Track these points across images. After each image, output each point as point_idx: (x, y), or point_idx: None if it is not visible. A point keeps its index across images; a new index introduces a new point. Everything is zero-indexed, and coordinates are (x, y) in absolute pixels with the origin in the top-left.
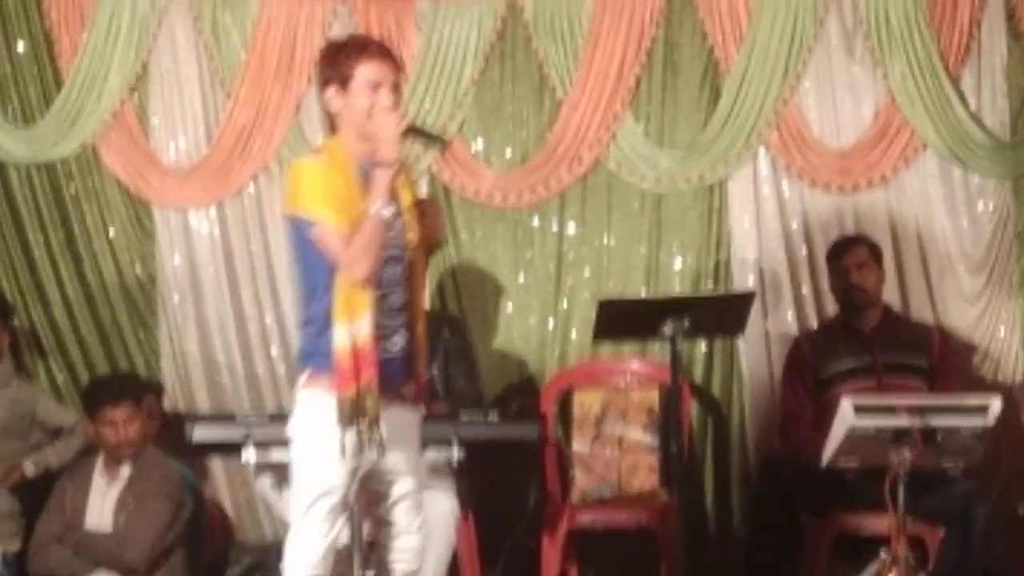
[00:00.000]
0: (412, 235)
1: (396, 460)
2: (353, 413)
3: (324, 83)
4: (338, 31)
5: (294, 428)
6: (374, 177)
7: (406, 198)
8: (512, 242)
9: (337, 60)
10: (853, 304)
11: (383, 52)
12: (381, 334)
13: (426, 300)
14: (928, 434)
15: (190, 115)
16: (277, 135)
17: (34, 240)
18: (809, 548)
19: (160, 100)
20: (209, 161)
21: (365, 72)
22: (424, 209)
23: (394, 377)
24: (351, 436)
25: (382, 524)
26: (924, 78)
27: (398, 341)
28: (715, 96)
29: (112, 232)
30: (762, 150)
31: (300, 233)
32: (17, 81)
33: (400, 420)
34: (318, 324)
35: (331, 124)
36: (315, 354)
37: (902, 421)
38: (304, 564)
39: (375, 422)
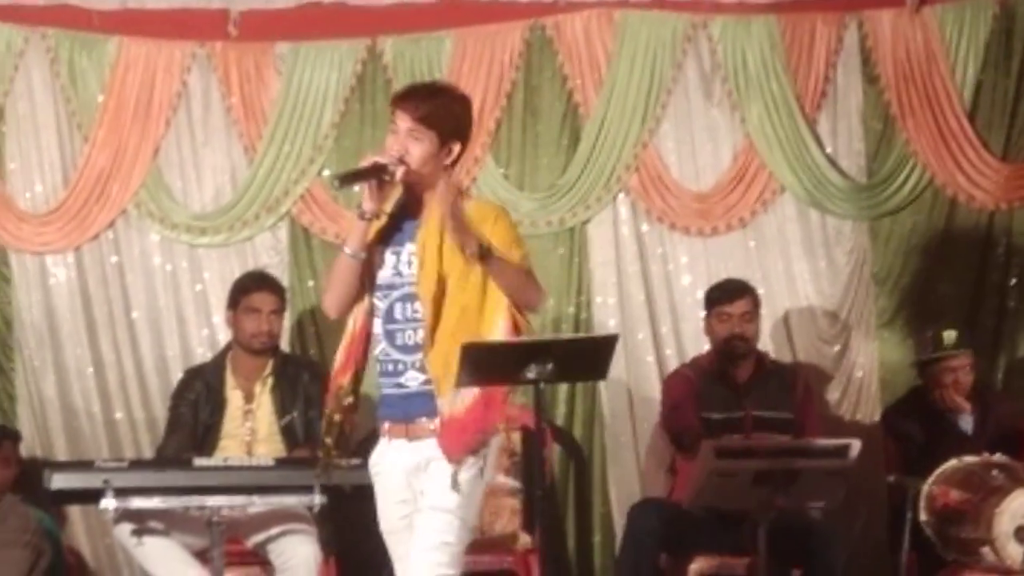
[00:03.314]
0: (427, 279)
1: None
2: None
3: None
4: (196, 74)
5: None
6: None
7: (429, 237)
8: None
9: None
10: (733, 353)
11: (398, 96)
12: (395, 369)
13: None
14: (789, 476)
15: (47, 160)
16: (135, 179)
17: None
18: None
19: (16, 145)
20: (67, 206)
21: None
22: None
23: (412, 413)
24: None
25: None
26: (781, 121)
27: (414, 377)
28: (575, 139)
29: None
30: (622, 193)
31: None
32: None
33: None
34: None
35: None
36: None
37: (763, 464)
38: None
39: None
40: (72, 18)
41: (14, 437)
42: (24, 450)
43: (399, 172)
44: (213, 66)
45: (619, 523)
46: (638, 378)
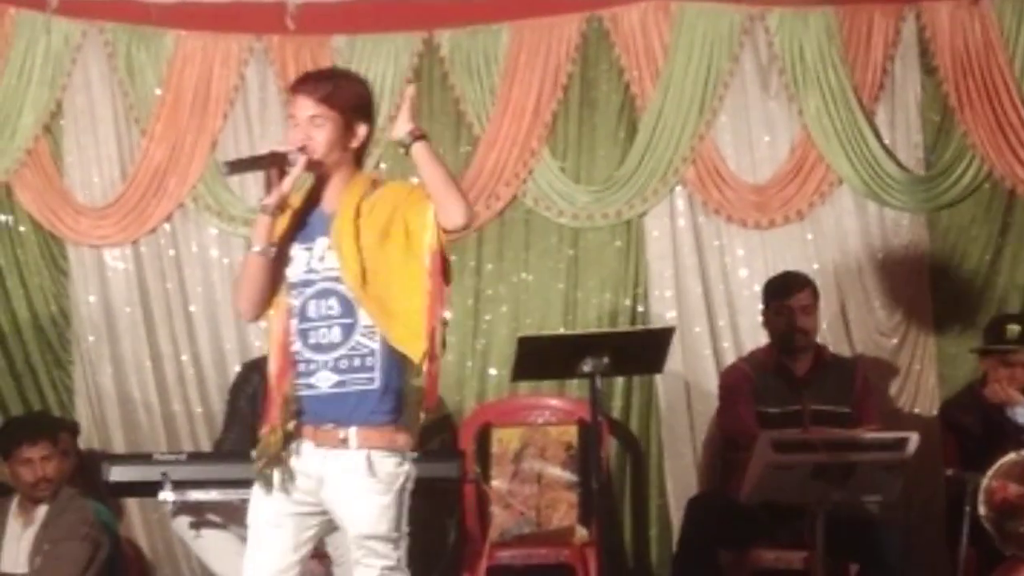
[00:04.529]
0: (351, 271)
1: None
2: (260, 453)
3: None
4: (254, 68)
5: None
6: None
7: (345, 226)
8: None
9: None
10: (792, 347)
11: (295, 82)
12: (306, 369)
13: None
14: (847, 470)
15: (105, 153)
16: (193, 172)
17: None
18: None
19: (75, 138)
20: (124, 199)
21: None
22: None
23: (320, 416)
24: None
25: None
26: (839, 112)
27: (326, 378)
28: (632, 132)
29: (26, 271)
30: (679, 186)
31: None
32: None
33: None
34: None
35: None
36: None
37: (821, 457)
38: None
39: (271, 461)
40: (129, 12)
41: (72, 429)
42: (82, 442)
43: (300, 162)
44: (270, 59)
45: (676, 517)
46: (695, 371)
